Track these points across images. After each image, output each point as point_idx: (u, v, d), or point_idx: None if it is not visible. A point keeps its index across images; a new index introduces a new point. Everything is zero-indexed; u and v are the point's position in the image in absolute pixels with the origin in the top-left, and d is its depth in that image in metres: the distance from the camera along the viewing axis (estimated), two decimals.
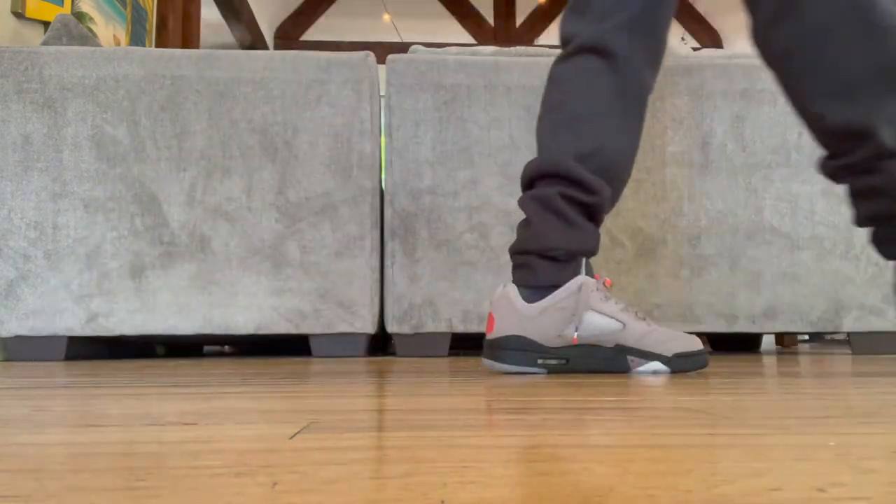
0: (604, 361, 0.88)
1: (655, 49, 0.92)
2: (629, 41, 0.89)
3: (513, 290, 0.89)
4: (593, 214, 0.90)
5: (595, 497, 0.23)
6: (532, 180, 0.91)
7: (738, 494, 0.23)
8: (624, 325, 0.87)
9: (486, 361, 0.90)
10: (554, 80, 0.93)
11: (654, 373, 0.88)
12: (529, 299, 0.88)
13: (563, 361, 0.88)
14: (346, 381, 0.74)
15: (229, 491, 0.24)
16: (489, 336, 0.90)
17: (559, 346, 0.88)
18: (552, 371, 0.89)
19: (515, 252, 0.91)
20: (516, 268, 0.91)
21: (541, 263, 0.88)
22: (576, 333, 0.86)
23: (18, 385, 0.71)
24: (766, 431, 0.37)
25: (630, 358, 0.88)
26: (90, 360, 1.38)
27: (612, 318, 0.87)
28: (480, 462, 0.29)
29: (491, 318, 0.90)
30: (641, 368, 0.88)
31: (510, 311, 0.88)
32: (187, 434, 0.37)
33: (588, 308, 0.86)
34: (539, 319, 0.87)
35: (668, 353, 0.87)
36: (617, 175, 0.91)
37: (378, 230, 1.46)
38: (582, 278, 0.87)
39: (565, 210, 0.88)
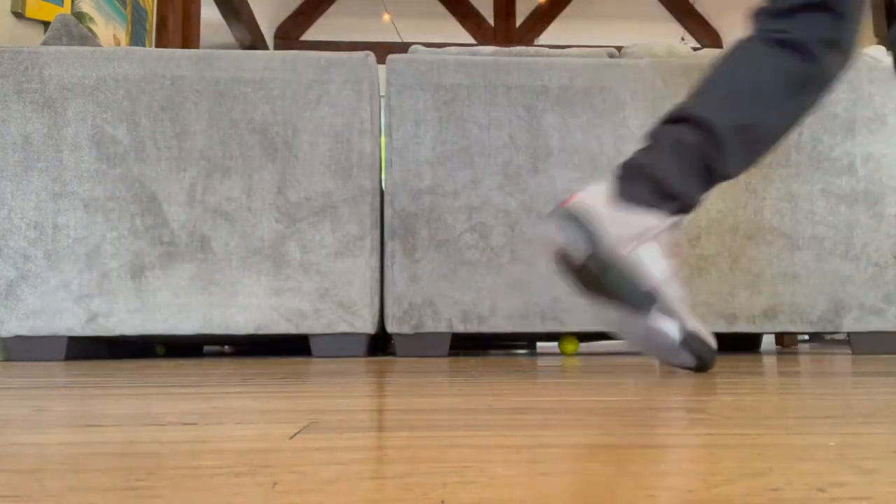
0: (629, 293, 0.86)
1: (845, 69, 0.96)
2: (832, 59, 0.93)
3: (606, 188, 0.89)
4: (711, 183, 0.91)
5: (595, 497, 0.23)
6: (681, 118, 0.91)
7: (738, 494, 0.23)
8: (667, 281, 0.86)
9: (548, 221, 0.89)
10: (746, 53, 0.94)
11: (665, 335, 0.86)
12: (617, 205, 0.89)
13: (598, 269, 0.85)
14: (346, 381, 0.74)
15: (229, 491, 0.24)
16: (564, 204, 0.90)
17: (607, 253, 0.86)
18: (577, 265, 0.87)
19: (624, 165, 0.91)
20: (617, 178, 0.91)
21: (642, 183, 0.88)
22: (629, 249, 0.85)
23: (18, 385, 0.71)
24: (766, 431, 0.37)
25: (655, 307, 0.85)
26: (90, 360, 1.38)
27: (664, 267, 0.86)
28: (480, 462, 0.29)
29: (572, 195, 0.90)
30: (656, 322, 0.86)
31: (593, 196, 0.87)
32: (187, 434, 0.37)
33: (652, 241, 0.86)
34: (610, 216, 0.86)
35: (688, 327, 0.85)
36: (752, 160, 0.93)
37: (378, 230, 1.46)
38: (661, 224, 0.86)
39: (696, 163, 0.88)
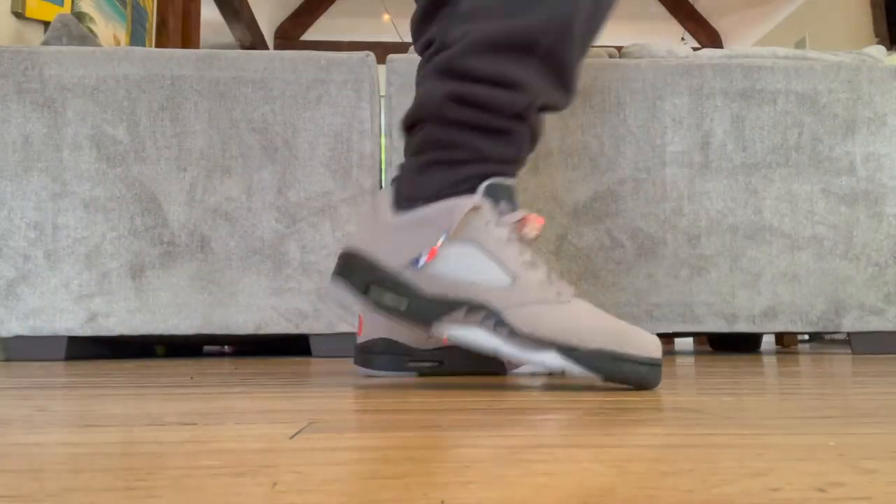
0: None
1: None
2: None
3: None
4: None
5: (595, 497, 0.23)
6: None
7: (738, 494, 0.23)
8: (514, 279, 0.62)
9: None
10: None
11: (543, 373, 0.64)
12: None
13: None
14: (346, 381, 0.74)
15: (229, 491, 0.24)
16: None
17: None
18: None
19: None
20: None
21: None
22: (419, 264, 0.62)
23: (18, 385, 0.71)
24: (766, 431, 0.37)
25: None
26: (90, 360, 1.38)
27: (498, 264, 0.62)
28: (480, 462, 0.29)
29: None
30: (520, 370, 0.65)
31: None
32: (187, 434, 0.37)
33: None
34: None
35: (580, 345, 0.61)
36: None
37: None
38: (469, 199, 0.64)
39: None
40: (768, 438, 0.35)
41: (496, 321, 0.61)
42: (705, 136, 1.51)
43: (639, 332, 0.63)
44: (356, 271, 0.65)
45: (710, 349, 2.18)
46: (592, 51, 1.57)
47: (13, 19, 1.90)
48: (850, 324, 1.50)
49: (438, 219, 0.63)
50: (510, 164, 0.68)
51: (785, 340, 2.56)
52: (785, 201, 1.51)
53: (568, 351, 0.61)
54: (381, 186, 1.54)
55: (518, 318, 0.61)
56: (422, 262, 0.62)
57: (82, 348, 1.48)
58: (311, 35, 5.82)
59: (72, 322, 1.39)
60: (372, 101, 1.47)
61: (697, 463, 0.28)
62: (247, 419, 0.43)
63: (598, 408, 0.49)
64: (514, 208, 0.66)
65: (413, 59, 1.49)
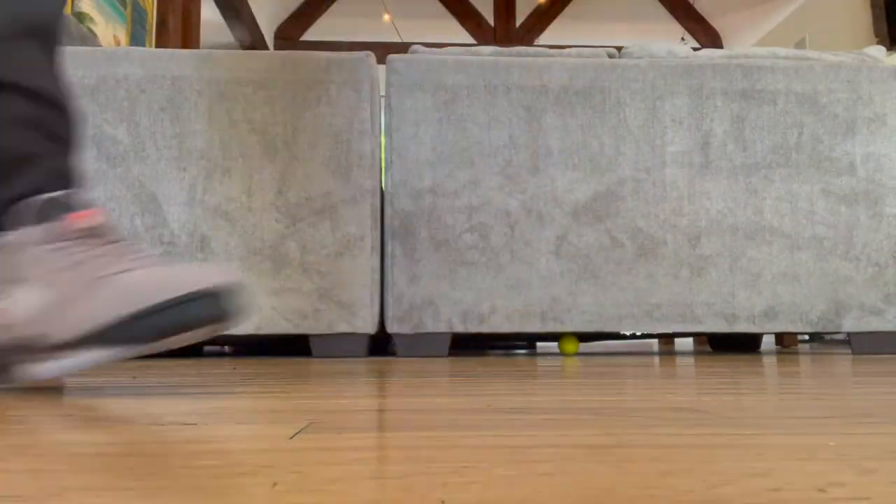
0: None
1: None
2: None
3: None
4: None
5: (595, 497, 0.23)
6: None
7: (738, 494, 0.23)
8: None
9: None
10: None
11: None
12: None
13: None
14: (346, 381, 0.74)
15: (229, 491, 0.24)
16: None
17: None
18: None
19: None
20: None
21: None
22: None
23: (19, 385, 0.71)
24: (766, 431, 0.37)
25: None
26: None
27: None
28: (480, 462, 0.29)
29: None
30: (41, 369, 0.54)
31: None
32: (187, 434, 0.37)
33: None
34: None
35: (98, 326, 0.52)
36: None
37: (378, 230, 1.46)
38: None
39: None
40: (768, 438, 0.35)
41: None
42: (705, 136, 1.51)
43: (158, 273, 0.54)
44: None
45: (710, 349, 2.18)
46: (592, 50, 1.57)
47: None
48: (850, 324, 1.50)
49: None
50: None
51: (785, 340, 2.56)
52: (785, 201, 1.51)
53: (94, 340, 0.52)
54: (381, 186, 1.54)
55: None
56: None
57: None
58: (311, 35, 5.82)
59: None
60: (372, 101, 1.47)
61: (697, 463, 0.28)
62: (247, 419, 0.43)
63: (598, 407, 0.49)
64: None
65: (413, 58, 1.49)
